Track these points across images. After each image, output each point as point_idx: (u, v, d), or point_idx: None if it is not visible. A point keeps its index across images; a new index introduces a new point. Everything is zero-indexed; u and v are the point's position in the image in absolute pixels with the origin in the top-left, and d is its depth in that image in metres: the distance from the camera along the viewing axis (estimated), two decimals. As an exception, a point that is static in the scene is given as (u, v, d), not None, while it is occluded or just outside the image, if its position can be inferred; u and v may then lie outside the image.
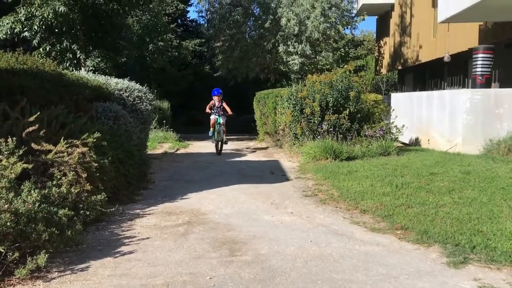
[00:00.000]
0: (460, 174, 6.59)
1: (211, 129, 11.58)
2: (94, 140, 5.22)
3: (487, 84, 9.86)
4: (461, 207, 5.05)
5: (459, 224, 4.48)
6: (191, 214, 5.31)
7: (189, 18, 33.35)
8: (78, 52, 13.93)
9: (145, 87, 9.74)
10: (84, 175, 4.77)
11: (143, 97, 9.19)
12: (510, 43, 12.44)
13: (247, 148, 13.29)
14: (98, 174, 5.03)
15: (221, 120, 11.34)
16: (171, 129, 15.94)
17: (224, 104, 11.50)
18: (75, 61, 14.15)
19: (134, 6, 15.16)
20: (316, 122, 9.66)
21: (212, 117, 11.49)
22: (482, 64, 9.81)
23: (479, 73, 9.82)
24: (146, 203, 5.86)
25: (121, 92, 8.78)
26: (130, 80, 9.55)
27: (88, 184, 4.75)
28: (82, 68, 13.48)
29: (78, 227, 4.06)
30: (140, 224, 4.88)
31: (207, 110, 11.58)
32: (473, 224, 4.44)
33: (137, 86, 9.32)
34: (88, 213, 4.61)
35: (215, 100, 11.52)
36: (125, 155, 6.24)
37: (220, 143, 11.51)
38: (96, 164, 5.00)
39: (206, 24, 19.65)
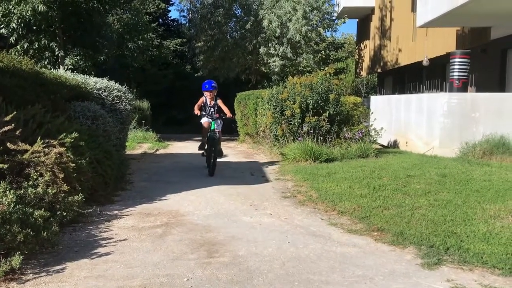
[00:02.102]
0: (436, 177, 6.70)
1: (203, 139, 8.52)
2: (72, 140, 5.16)
3: (463, 88, 10.05)
4: (437, 209, 5.15)
5: (434, 226, 4.57)
6: (169, 215, 5.29)
7: (170, 17, 33.18)
8: (57, 50, 13.74)
9: (125, 87, 9.63)
10: (61, 176, 4.71)
11: (123, 97, 9.09)
12: (486, 48, 12.71)
13: (227, 149, 13.27)
14: (75, 174, 4.97)
15: (215, 126, 8.17)
16: (151, 129, 15.81)
17: (220, 103, 8.45)
18: (53, 60, 13.96)
19: (115, 5, 15.04)
20: (296, 124, 9.70)
21: (204, 120, 8.36)
22: (459, 69, 10.00)
23: (456, 77, 10.01)
24: (124, 204, 5.82)
25: (100, 92, 8.68)
26: (110, 79, 9.43)
27: (65, 184, 4.68)
28: (61, 67, 13.30)
29: (54, 228, 4.01)
30: (117, 225, 4.84)
31: (196, 111, 8.36)
32: (447, 226, 4.53)
33: (117, 85, 9.21)
34: (64, 214, 4.55)
35: (207, 96, 8.41)
36: (103, 155, 6.17)
37: (213, 156, 8.10)
38: (73, 165, 4.94)
39: (187, 24, 19.69)
